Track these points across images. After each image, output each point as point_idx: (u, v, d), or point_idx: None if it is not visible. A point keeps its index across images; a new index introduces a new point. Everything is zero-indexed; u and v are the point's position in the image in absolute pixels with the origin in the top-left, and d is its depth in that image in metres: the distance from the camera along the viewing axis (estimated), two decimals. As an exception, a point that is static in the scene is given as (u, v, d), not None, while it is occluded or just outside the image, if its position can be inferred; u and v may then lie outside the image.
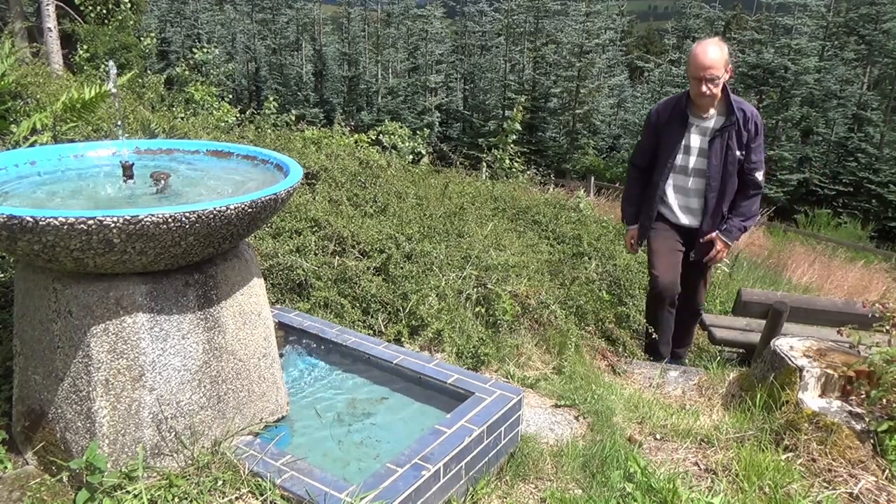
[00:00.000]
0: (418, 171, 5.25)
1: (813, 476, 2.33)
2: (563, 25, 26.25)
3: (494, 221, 4.54)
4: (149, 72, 9.20)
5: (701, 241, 3.51)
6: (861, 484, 2.26)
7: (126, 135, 2.31)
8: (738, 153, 3.36)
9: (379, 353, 2.57)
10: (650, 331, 3.68)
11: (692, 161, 3.46)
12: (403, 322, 3.08)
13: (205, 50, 9.55)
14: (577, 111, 24.88)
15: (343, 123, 7.01)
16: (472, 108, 28.63)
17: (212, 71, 9.57)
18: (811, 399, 2.58)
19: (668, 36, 28.84)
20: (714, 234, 3.48)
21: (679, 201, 3.56)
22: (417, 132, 7.85)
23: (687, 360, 4.04)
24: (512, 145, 7.82)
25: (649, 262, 3.61)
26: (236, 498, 1.83)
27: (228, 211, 1.76)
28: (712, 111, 3.40)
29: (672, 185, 3.55)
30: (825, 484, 2.29)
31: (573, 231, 4.79)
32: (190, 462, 1.93)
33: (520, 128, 7.96)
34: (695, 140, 3.44)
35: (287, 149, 4.58)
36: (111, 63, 2.24)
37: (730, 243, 3.50)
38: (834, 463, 2.36)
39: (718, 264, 4.37)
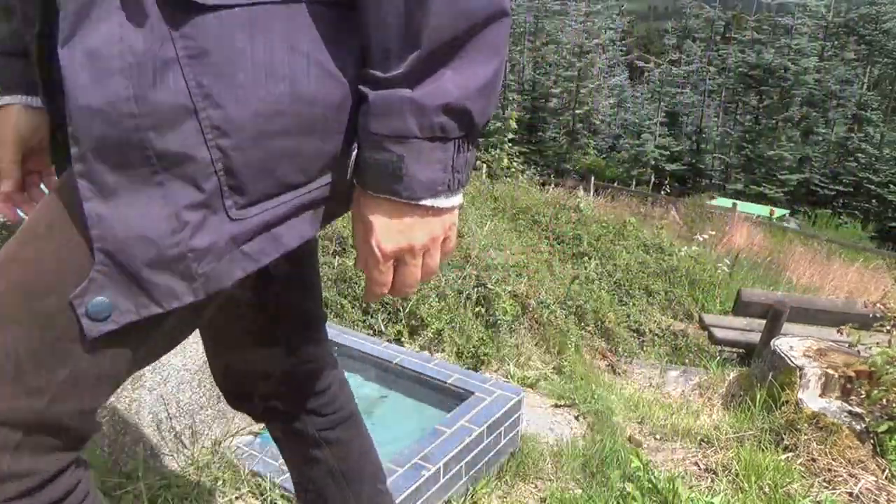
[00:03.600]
0: (418, 171, 5.25)
1: (813, 476, 2.33)
2: (563, 25, 26.26)
3: (494, 221, 4.54)
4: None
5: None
6: (861, 484, 2.26)
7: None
8: None
9: (379, 352, 2.57)
10: None
11: None
12: (403, 322, 3.08)
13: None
14: (577, 111, 24.91)
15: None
16: (471, 109, 28.62)
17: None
18: (811, 399, 2.58)
19: (668, 36, 28.85)
20: None
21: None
22: (417, 132, 7.83)
23: None
24: (510, 145, 7.83)
25: None
26: (236, 498, 1.83)
27: (228, 211, 1.75)
28: None
29: None
30: (825, 484, 2.29)
31: (573, 231, 4.79)
32: (190, 462, 1.93)
33: (515, 126, 7.98)
34: None
35: (287, 149, 4.58)
36: None
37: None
38: (834, 463, 2.36)
39: None
